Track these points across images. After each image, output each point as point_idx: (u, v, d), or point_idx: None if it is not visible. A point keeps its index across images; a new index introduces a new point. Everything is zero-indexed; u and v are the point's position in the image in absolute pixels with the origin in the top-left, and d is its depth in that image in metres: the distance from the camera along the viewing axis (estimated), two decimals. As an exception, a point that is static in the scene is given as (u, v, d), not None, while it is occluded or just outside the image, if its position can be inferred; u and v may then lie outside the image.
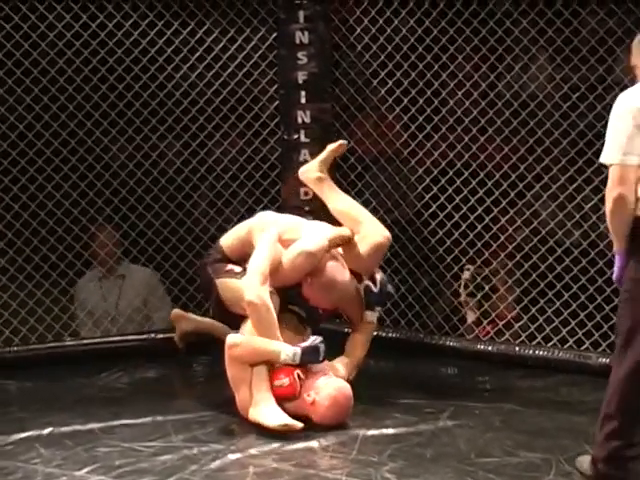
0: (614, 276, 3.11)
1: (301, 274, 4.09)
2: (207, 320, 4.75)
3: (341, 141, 4.49)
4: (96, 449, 3.62)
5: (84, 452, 3.59)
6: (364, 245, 4.25)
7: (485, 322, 4.88)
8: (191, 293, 5.18)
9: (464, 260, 4.95)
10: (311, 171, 4.48)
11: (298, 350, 3.81)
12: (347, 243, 4.21)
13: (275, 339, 3.88)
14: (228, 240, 4.35)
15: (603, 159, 3.01)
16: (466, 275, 4.93)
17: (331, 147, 4.48)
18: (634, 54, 3.16)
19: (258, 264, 4.00)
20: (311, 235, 4.17)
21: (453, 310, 5.02)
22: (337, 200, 4.41)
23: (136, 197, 5.16)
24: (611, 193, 2.96)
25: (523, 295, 4.82)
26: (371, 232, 4.28)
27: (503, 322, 4.81)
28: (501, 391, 4.35)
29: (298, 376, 3.82)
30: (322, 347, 3.88)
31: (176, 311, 4.85)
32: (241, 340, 3.90)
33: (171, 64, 5.05)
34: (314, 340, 3.89)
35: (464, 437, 3.72)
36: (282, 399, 3.82)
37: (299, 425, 3.75)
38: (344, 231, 4.25)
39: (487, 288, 4.85)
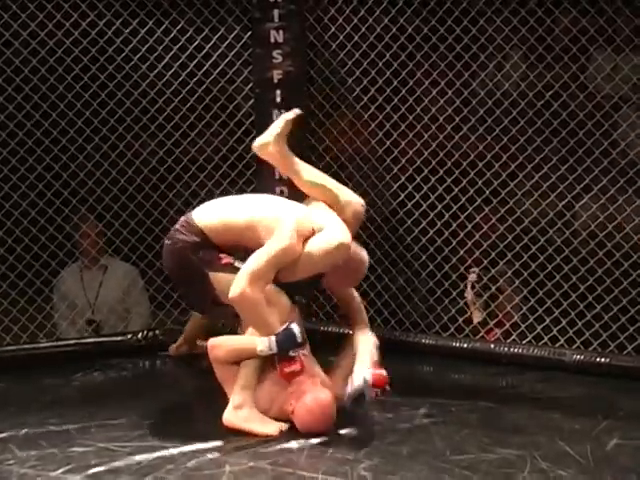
0: None
1: (334, 265, 3.89)
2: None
3: (296, 110, 4.18)
4: (71, 449, 3.60)
5: (59, 452, 3.57)
6: (347, 214, 4.03)
7: (492, 323, 4.88)
8: (166, 292, 5.17)
9: (439, 258, 4.96)
10: (269, 146, 4.09)
11: (272, 338, 3.75)
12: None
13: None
14: (211, 222, 3.91)
15: None
16: (472, 277, 4.95)
17: (286, 116, 4.13)
18: None
19: (258, 267, 3.75)
20: (332, 224, 3.93)
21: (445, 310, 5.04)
22: (304, 173, 4.11)
23: (111, 197, 5.15)
24: None
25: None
26: (350, 200, 4.08)
27: (510, 322, 4.81)
28: (477, 388, 4.37)
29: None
30: (296, 329, 3.74)
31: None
32: (220, 341, 3.87)
33: (146, 62, 5.05)
34: (287, 325, 3.77)
35: (440, 434, 3.73)
36: (290, 379, 3.77)
37: (286, 426, 3.75)
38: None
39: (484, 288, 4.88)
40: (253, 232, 3.87)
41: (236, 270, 3.79)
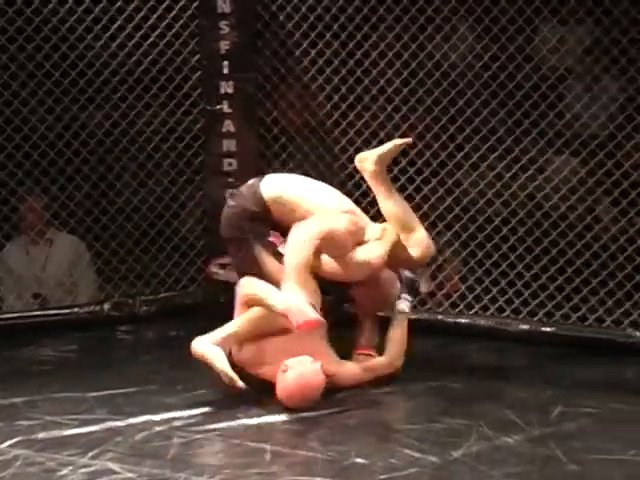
0: None
1: (355, 279, 3.97)
2: None
3: (408, 139, 4.25)
4: (18, 422, 3.57)
5: (6, 426, 3.53)
6: (414, 253, 4.08)
7: (440, 293, 4.91)
8: (114, 265, 5.14)
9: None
10: (368, 162, 4.12)
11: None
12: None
13: None
14: (275, 197, 3.94)
15: None
16: None
17: (396, 142, 4.17)
18: None
19: (298, 262, 3.71)
20: (374, 243, 3.98)
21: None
22: (391, 200, 4.12)
23: (57, 169, 5.10)
24: None
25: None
26: (422, 242, 4.11)
27: (457, 293, 4.84)
28: (424, 359, 4.39)
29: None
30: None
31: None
32: (249, 283, 3.84)
33: (91, 33, 4.98)
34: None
35: (388, 405, 3.76)
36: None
37: (242, 386, 3.68)
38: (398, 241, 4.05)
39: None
40: (308, 214, 3.89)
41: (277, 254, 3.86)
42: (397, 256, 4.01)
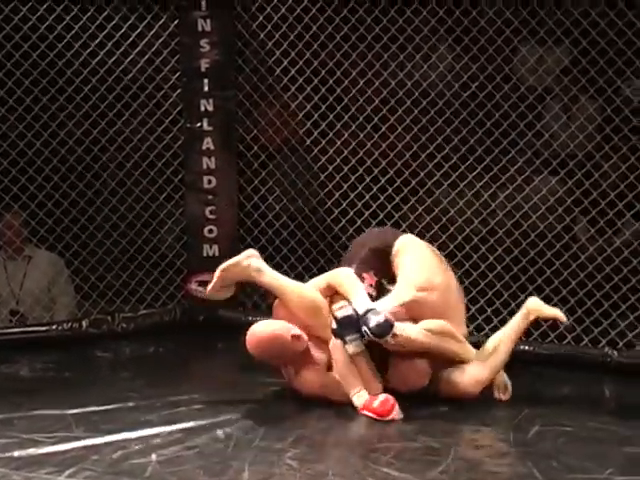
0: None
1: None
2: None
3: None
4: (-6, 440, 3.56)
5: (-18, 444, 3.53)
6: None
7: None
8: (92, 282, 5.13)
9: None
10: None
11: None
12: None
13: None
14: (402, 249, 4.08)
15: None
16: None
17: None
18: None
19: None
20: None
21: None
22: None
23: (36, 185, 5.09)
24: None
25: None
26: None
27: None
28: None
29: None
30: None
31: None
32: None
33: (71, 50, 4.98)
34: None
35: (365, 423, 3.75)
36: None
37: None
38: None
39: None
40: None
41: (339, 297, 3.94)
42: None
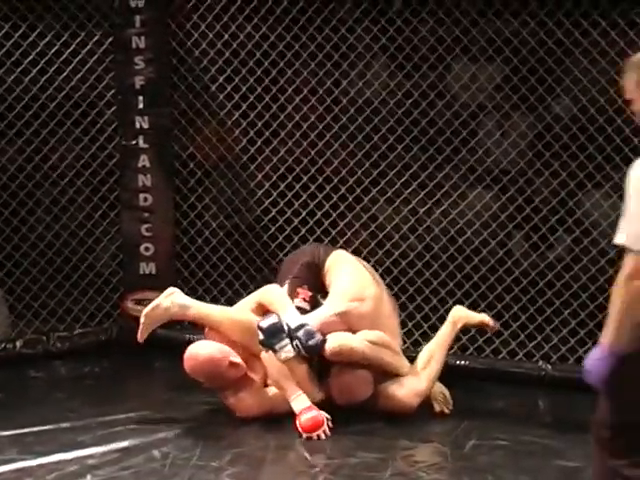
0: (594, 373, 2.45)
1: None
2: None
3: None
4: None
5: None
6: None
7: None
8: (27, 302, 5.06)
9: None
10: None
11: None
12: None
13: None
14: (330, 260, 4.17)
15: (620, 240, 2.41)
16: None
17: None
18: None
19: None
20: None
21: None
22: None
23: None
24: (630, 284, 2.38)
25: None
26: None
27: None
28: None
29: None
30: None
31: None
32: None
33: (2, 67, 4.93)
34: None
35: (303, 440, 3.75)
36: None
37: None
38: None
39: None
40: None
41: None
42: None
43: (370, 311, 4.00)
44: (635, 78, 2.51)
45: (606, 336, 2.44)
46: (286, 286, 4.07)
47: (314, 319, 3.91)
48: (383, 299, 4.08)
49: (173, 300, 4.05)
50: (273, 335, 3.87)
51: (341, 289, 4.05)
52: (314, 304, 4.05)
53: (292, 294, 4.05)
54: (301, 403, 3.82)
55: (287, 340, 3.86)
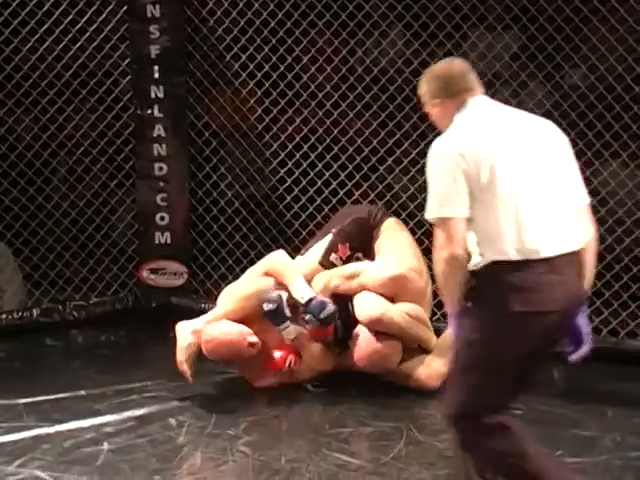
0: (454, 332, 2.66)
1: None
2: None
3: None
4: (-56, 432, 3.53)
5: None
6: None
7: None
8: (43, 271, 5.08)
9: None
10: None
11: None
12: None
13: None
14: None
15: (428, 215, 2.65)
16: None
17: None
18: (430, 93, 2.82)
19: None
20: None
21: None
22: None
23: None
24: (441, 253, 2.56)
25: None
26: None
27: None
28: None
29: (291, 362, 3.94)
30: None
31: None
32: None
33: (18, 36, 4.92)
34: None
35: (318, 409, 3.78)
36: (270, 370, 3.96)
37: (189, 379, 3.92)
38: None
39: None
40: None
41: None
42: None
43: (422, 286, 4.01)
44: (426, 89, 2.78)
45: (447, 307, 2.65)
46: (329, 237, 4.09)
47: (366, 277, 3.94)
48: (427, 276, 4.07)
49: (193, 329, 3.98)
50: (273, 319, 3.92)
51: (400, 255, 4.03)
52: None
53: (332, 247, 4.07)
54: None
55: (288, 322, 3.91)
